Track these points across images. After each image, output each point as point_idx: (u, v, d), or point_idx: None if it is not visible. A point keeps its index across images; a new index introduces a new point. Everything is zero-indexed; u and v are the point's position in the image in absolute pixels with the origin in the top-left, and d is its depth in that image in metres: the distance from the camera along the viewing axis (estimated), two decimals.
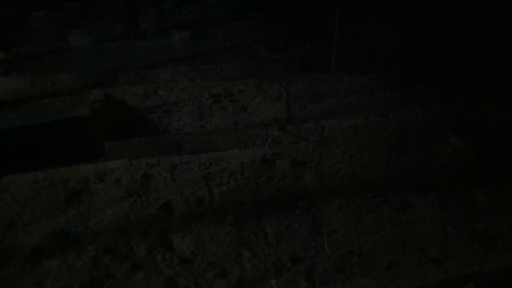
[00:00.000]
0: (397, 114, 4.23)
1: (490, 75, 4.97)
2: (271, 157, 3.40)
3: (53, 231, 2.55)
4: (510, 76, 4.69)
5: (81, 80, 4.99)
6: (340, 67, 5.45)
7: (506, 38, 5.03)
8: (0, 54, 5.42)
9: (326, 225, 2.77)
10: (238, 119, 4.19)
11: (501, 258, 2.47)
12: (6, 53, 5.45)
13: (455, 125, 3.98)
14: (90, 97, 4.38)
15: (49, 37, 6.30)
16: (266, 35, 6.74)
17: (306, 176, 3.25)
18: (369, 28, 5.99)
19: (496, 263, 2.44)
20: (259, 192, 3.05)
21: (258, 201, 2.95)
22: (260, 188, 3.09)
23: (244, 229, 2.69)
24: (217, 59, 5.94)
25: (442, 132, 3.87)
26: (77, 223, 2.65)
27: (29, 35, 6.05)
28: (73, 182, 2.98)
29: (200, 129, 4.05)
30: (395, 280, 2.35)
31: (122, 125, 4.15)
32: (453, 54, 5.47)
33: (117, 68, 5.44)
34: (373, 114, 4.32)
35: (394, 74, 5.08)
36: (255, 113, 4.33)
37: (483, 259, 2.51)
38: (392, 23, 5.96)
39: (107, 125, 4.09)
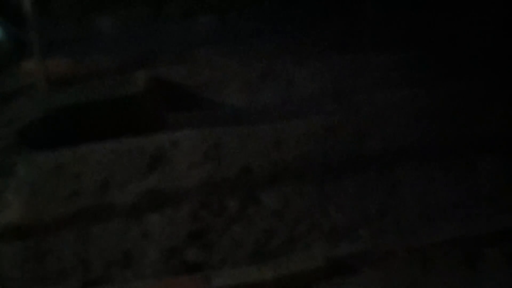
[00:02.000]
0: (441, 87, 4.34)
1: None
2: (333, 126, 3.52)
3: (146, 190, 2.66)
4: None
5: (121, 61, 5.08)
6: (370, 45, 5.53)
7: None
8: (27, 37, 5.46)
9: (401, 183, 2.88)
10: (287, 94, 4.30)
11: None
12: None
13: (500, 96, 4.10)
14: (137, 77, 4.48)
15: (74, 22, 6.32)
16: (293, 16, 6.81)
17: (370, 143, 3.36)
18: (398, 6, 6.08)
19: None
20: (329, 156, 3.16)
21: (331, 164, 3.07)
22: (329, 153, 3.20)
23: (324, 187, 2.80)
24: (249, 41, 6.01)
25: (490, 102, 4.00)
26: (165, 183, 2.76)
27: (51, 19, 6.05)
28: (150, 149, 3.09)
29: (252, 104, 4.15)
30: (475, 226, 2.48)
31: (173, 101, 4.25)
32: (480, 31, 5.57)
33: (153, 50, 5.52)
34: (416, 87, 4.43)
35: (427, 50, 5.18)
36: (303, 87, 4.43)
37: None
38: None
39: (159, 102, 4.20)
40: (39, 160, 2.97)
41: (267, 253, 2.31)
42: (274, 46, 5.80)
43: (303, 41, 5.97)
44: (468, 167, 3.07)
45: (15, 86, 4.29)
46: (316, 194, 2.73)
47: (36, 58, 4.19)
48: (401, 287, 2.11)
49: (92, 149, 3.10)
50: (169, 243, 2.32)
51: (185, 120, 3.60)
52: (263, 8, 7.28)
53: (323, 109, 4.12)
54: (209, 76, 4.69)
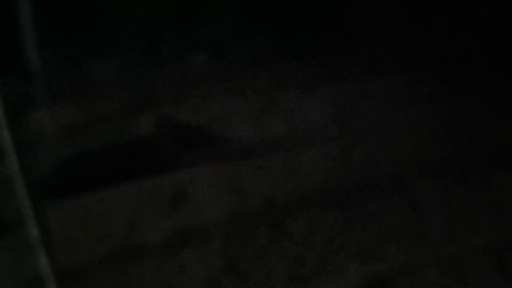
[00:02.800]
0: (442, 107, 4.49)
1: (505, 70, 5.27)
2: (344, 150, 3.62)
3: (174, 227, 2.72)
4: None
5: (124, 105, 5.18)
6: (367, 71, 5.71)
7: None
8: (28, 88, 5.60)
9: (419, 200, 2.97)
10: (293, 125, 4.41)
11: None
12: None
13: (501, 112, 4.25)
14: (144, 119, 4.57)
15: (67, 68, 6.44)
16: (285, 48, 7.00)
17: (383, 164, 3.46)
18: (391, 31, 6.31)
19: None
20: (345, 179, 3.25)
21: (348, 187, 3.15)
22: (345, 177, 3.29)
23: (348, 210, 2.88)
24: (245, 75, 6.15)
25: (493, 118, 4.14)
26: (191, 219, 2.82)
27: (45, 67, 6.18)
28: (170, 187, 3.15)
29: (260, 136, 4.25)
30: (499, 234, 2.55)
31: (182, 140, 4.35)
32: (469, 51, 5.78)
33: (152, 92, 5.64)
34: (417, 109, 4.57)
35: (424, 72, 5.36)
36: (307, 117, 4.54)
37: None
38: (413, 23, 6.28)
39: (169, 142, 4.29)
40: (64, 206, 3.01)
41: (301, 278, 2.35)
42: (271, 79, 5.96)
43: (299, 72, 6.15)
44: (483, 182, 3.16)
45: (25, 137, 4.36)
46: (339, 218, 2.80)
47: (44, 107, 4.28)
48: None
49: (113, 191, 3.15)
50: (207, 275, 2.35)
51: (198, 157, 3.67)
52: (255, 41, 7.48)
53: (330, 136, 4.22)
54: (214, 113, 4.80)
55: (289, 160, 2.99)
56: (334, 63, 4.60)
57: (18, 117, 3.37)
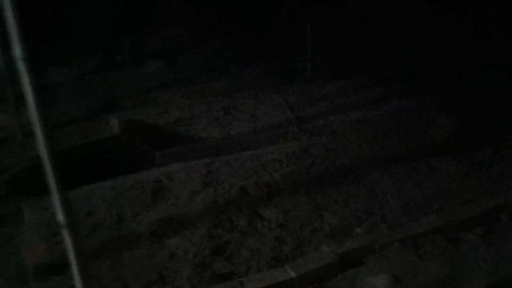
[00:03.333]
0: (384, 107, 4.95)
1: (434, 74, 5.88)
2: (306, 146, 3.95)
3: (158, 218, 2.90)
4: (451, 73, 5.63)
5: (87, 109, 5.26)
6: (314, 77, 6.14)
7: (445, 45, 6.02)
8: None
9: (377, 187, 3.34)
10: (254, 124, 4.70)
11: None
12: None
13: (434, 109, 4.77)
14: (110, 121, 4.69)
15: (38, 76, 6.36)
16: (236, 55, 7.32)
17: (340, 158, 3.82)
18: (332, 40, 6.79)
19: None
20: (310, 171, 3.57)
21: (313, 178, 3.47)
22: (309, 169, 3.61)
23: (315, 198, 3.19)
24: (201, 81, 6.40)
25: (429, 114, 4.64)
26: (174, 211, 3.02)
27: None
28: (149, 183, 3.33)
29: (225, 135, 4.50)
30: (450, 215, 2.97)
31: (150, 140, 4.50)
32: (406, 59, 6.37)
33: (113, 96, 5.74)
34: (364, 109, 5.01)
35: (363, 77, 5.86)
36: (265, 119, 4.86)
37: (505, 194, 3.20)
38: (351, 35, 6.79)
39: (136, 142, 4.43)
40: (45, 204, 3.10)
41: (284, 257, 2.62)
42: (228, 84, 6.23)
43: (253, 78, 6.46)
44: (427, 169, 3.60)
45: None
46: (309, 205, 3.10)
47: (9, 112, 4.28)
48: (404, 270, 2.50)
49: (93, 188, 3.28)
50: (197, 260, 2.56)
51: (170, 155, 3.86)
52: (207, 51, 7.74)
53: (289, 134, 4.55)
54: (178, 115, 4.99)
55: (256, 156, 3.26)
56: (284, 71, 5.08)
57: None
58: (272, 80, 6.37)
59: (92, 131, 4.60)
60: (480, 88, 4.93)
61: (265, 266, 2.51)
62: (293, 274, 2.35)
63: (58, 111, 5.05)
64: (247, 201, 3.09)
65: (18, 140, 4.22)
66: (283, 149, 3.93)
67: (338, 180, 3.40)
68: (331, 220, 2.91)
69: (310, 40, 6.32)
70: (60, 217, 1.64)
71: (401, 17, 6.60)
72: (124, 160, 3.89)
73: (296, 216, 2.96)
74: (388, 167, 3.57)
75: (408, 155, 3.80)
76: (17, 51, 1.46)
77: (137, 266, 2.44)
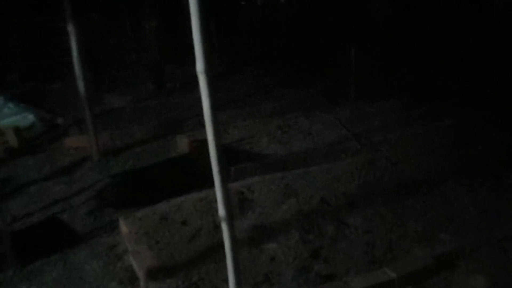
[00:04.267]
0: (437, 123, 5.11)
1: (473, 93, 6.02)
2: (371, 161, 4.12)
3: (251, 225, 3.08)
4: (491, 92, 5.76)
5: (152, 130, 5.54)
6: (357, 97, 6.34)
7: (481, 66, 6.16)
8: (59, 120, 5.85)
9: (451, 196, 3.48)
10: (313, 141, 4.89)
11: None
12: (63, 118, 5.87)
13: (486, 124, 4.90)
14: (179, 141, 4.94)
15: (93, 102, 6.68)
16: (277, 80, 7.58)
17: (407, 170, 3.97)
18: (373, 63, 7.01)
19: None
20: (382, 183, 3.73)
21: (387, 188, 3.62)
22: (381, 180, 3.77)
23: (394, 207, 3.34)
24: (252, 102, 6.64)
25: (483, 129, 4.78)
26: (264, 219, 3.20)
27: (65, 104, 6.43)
28: (232, 194, 3.52)
29: (287, 151, 4.70)
30: None
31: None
32: (444, 80, 6.53)
33: (173, 119, 6.02)
34: (416, 125, 5.17)
35: (405, 97, 6.03)
36: (322, 136, 5.05)
37: None
38: (390, 58, 7.01)
39: (205, 158, 4.63)
40: (138, 216, 3.32)
41: (377, 260, 2.77)
42: (276, 106, 6.47)
43: (299, 100, 6.69)
44: (496, 179, 3.72)
45: (66, 160, 4.60)
46: (390, 214, 3.25)
47: (89, 134, 4.56)
48: (498, 273, 2.62)
49: (181, 200, 3.49)
50: (297, 262, 2.73)
51: (243, 170, 4.06)
52: (247, 77, 8.04)
53: (350, 149, 4.72)
54: (238, 134, 5.22)
55: (326, 169, 3.43)
56: (331, 92, 5.33)
57: (42, 145, 3.72)
58: (317, 101, 6.60)
59: (161, 150, 4.85)
60: None
61: (362, 268, 2.65)
62: (393, 275, 2.48)
63: (124, 133, 5.33)
64: (330, 210, 3.25)
65: (95, 160, 4.48)
66: (350, 163, 4.10)
67: (411, 190, 3.54)
68: (415, 227, 3.05)
69: (353, 63, 6.56)
70: (222, 211, 1.82)
71: (438, 39, 6.78)
72: (198, 175, 4.11)
73: (380, 223, 3.11)
74: (457, 177, 3.70)
75: (473, 167, 3.93)
76: (199, 65, 1.68)
77: (242, 269, 2.60)
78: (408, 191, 3.54)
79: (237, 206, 3.30)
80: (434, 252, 2.72)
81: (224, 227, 1.88)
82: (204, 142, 4.96)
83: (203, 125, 5.46)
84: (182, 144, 4.73)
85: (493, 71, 6.17)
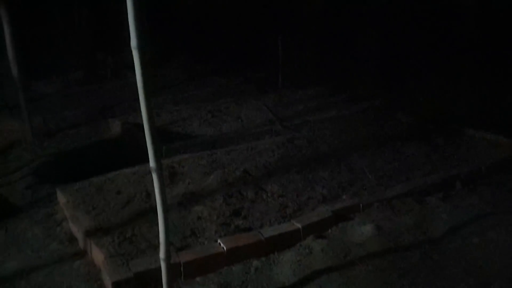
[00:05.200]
0: (353, 107, 5.75)
1: (392, 80, 6.76)
2: (292, 138, 4.65)
3: (181, 193, 3.50)
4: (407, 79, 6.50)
5: (84, 114, 5.78)
6: (285, 85, 6.90)
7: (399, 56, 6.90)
8: None
9: (356, 166, 4.07)
10: (241, 124, 5.37)
11: (469, 167, 4.00)
12: None
13: (396, 108, 5.60)
14: (112, 124, 5.23)
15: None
16: (209, 68, 7.98)
17: (321, 146, 4.54)
18: (299, 54, 7.60)
19: (466, 169, 3.95)
20: (298, 156, 4.26)
21: (301, 161, 4.16)
22: (297, 154, 4.31)
23: (306, 176, 3.88)
24: (180, 90, 7.00)
25: (391, 112, 5.47)
26: (192, 187, 3.62)
27: None
28: (164, 169, 3.90)
29: (217, 133, 5.14)
30: (416, 183, 3.72)
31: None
32: (366, 69, 7.25)
33: (105, 104, 6.27)
34: (335, 110, 5.79)
35: (329, 85, 6.67)
36: (250, 119, 5.53)
37: (458, 168, 4.00)
38: (316, 49, 7.62)
39: (137, 140, 5.00)
40: (75, 187, 3.63)
41: (288, 216, 3.27)
42: (209, 92, 6.87)
43: (230, 87, 7.14)
44: (394, 152, 4.37)
45: (1, 142, 4.77)
46: (302, 180, 3.78)
47: (23, 118, 4.75)
48: (383, 223, 3.20)
49: (116, 174, 3.83)
50: (220, 220, 3.17)
51: (173, 149, 4.45)
52: (180, 64, 8.35)
53: (274, 131, 5.23)
54: (170, 118, 5.58)
55: (251, 147, 3.96)
56: (260, 81, 6.03)
57: None
58: (248, 89, 7.06)
59: (94, 133, 5.12)
60: (434, 89, 5.80)
61: (275, 222, 3.15)
62: (298, 226, 3.00)
63: (57, 118, 5.52)
64: (251, 179, 3.73)
65: (28, 142, 4.67)
66: (272, 142, 4.60)
67: (322, 162, 4.10)
68: (322, 191, 3.59)
69: (281, 53, 7.09)
70: (152, 163, 2.18)
71: (360, 31, 7.48)
72: (130, 156, 4.44)
73: (293, 189, 3.62)
74: (362, 151, 4.30)
75: (377, 142, 4.57)
76: (133, 41, 2.01)
77: (172, 227, 3.02)
78: (320, 163, 4.09)
79: (168, 178, 3.68)
80: (334, 207, 3.25)
81: (154, 177, 2.22)
82: (136, 125, 5.30)
83: (134, 110, 5.79)
84: (115, 127, 5.02)
85: (408, 61, 6.88)
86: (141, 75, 1.96)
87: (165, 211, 2.16)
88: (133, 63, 2.00)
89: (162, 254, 2.22)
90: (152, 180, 2.31)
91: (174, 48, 8.78)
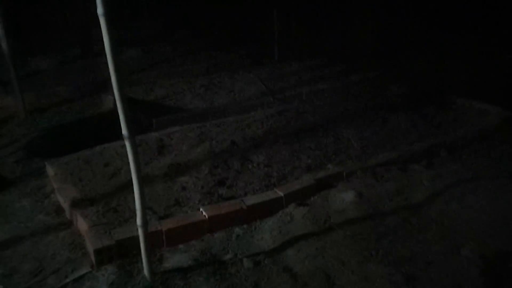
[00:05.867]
0: (346, 79, 5.73)
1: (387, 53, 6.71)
2: (282, 110, 4.67)
3: (168, 164, 3.54)
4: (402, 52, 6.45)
5: (77, 90, 5.80)
6: (281, 59, 6.87)
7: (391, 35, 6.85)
8: None
9: (342, 136, 4.09)
10: (234, 97, 5.38)
11: (455, 135, 4.00)
12: None
13: (388, 79, 5.58)
14: (104, 99, 5.26)
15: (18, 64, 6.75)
16: (207, 42, 7.94)
17: (310, 118, 4.56)
18: (296, 27, 7.54)
19: (452, 137, 3.96)
20: (286, 128, 4.28)
21: (289, 132, 4.18)
22: (286, 126, 4.33)
23: (293, 146, 3.90)
24: (175, 64, 7.00)
25: (383, 83, 5.45)
26: (179, 159, 3.66)
27: None
28: (153, 141, 3.96)
29: (209, 106, 5.16)
30: (400, 152, 3.74)
31: (145, 112, 5.07)
32: (361, 42, 7.19)
33: (98, 80, 6.29)
34: (328, 82, 5.78)
35: (325, 58, 6.64)
36: (242, 92, 5.54)
37: (443, 137, 4.01)
38: (312, 22, 7.55)
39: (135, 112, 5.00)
40: (64, 161, 3.69)
41: (272, 185, 3.32)
42: (206, 66, 6.87)
43: (226, 61, 7.12)
44: (382, 121, 4.38)
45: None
46: (289, 150, 3.81)
47: (15, 94, 4.79)
48: (365, 188, 3.24)
49: (104, 147, 3.88)
50: (204, 190, 3.22)
51: (165, 122, 4.48)
52: (177, 39, 8.32)
53: (266, 103, 5.25)
54: (164, 92, 5.60)
55: (241, 119, 3.99)
56: (255, 55, 5.99)
57: None
58: (243, 63, 7.05)
59: (87, 108, 5.16)
60: (428, 61, 5.76)
61: (259, 191, 3.19)
62: (281, 194, 3.04)
63: (50, 93, 5.55)
64: (238, 150, 3.76)
65: (21, 117, 4.73)
66: (261, 113, 4.62)
67: (310, 133, 4.12)
68: (307, 160, 3.63)
69: (277, 27, 7.05)
70: (124, 131, 2.22)
71: (356, 5, 7.39)
72: (121, 130, 4.44)
73: (279, 159, 3.66)
74: (350, 122, 4.32)
75: (366, 113, 4.58)
76: (99, 8, 2.02)
77: (157, 196, 3.08)
78: (307, 134, 4.11)
79: (156, 150, 3.73)
80: (317, 176, 3.29)
81: (127, 144, 2.26)
82: (130, 99, 5.31)
83: (128, 85, 5.78)
84: (107, 102, 5.05)
85: (403, 34, 6.83)
86: (109, 43, 1.97)
87: (140, 178, 2.21)
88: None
89: (138, 221, 2.28)
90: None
91: (173, 24, 8.75)
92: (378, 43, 6.83)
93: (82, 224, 2.75)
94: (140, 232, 2.30)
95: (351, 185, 3.26)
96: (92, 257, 2.49)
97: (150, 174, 3.30)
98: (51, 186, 3.37)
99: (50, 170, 3.50)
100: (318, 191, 3.16)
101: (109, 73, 2.07)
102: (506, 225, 2.71)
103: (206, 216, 2.78)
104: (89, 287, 2.35)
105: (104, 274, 2.42)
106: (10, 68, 4.51)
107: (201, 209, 2.84)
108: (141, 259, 2.38)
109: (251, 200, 2.96)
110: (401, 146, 3.82)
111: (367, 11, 7.27)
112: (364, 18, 7.39)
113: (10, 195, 3.27)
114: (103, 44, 2.02)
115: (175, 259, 2.55)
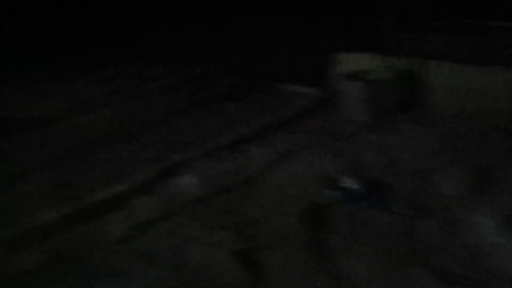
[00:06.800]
0: (177, 75, 5.97)
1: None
2: (105, 114, 4.70)
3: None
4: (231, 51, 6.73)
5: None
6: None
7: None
8: None
9: (181, 128, 4.31)
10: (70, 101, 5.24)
11: (283, 115, 4.52)
12: None
13: (220, 72, 5.97)
14: None
15: None
16: None
17: (149, 116, 4.69)
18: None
19: (280, 117, 4.45)
20: (132, 122, 4.36)
21: (131, 131, 4.27)
22: (131, 120, 4.40)
23: (132, 144, 4.01)
24: None
25: (216, 75, 5.84)
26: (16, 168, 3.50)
27: None
28: None
29: (41, 114, 4.96)
30: (236, 135, 4.09)
31: None
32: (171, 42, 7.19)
33: None
34: (157, 80, 5.94)
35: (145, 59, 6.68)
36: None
37: (273, 117, 4.49)
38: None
39: None
40: None
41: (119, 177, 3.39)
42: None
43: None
44: (217, 109, 4.72)
45: None
46: (133, 147, 3.91)
47: None
48: (205, 171, 3.49)
49: None
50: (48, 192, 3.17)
51: None
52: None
53: (105, 104, 5.22)
54: None
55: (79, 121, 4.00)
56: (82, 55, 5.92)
57: None
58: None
59: None
60: (254, 55, 6.21)
61: (104, 188, 3.25)
62: (125, 187, 3.14)
63: None
64: (79, 152, 3.73)
65: None
66: (107, 114, 4.63)
67: (147, 127, 4.27)
68: (146, 156, 3.77)
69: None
70: None
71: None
72: None
73: (125, 155, 3.74)
74: (187, 114, 4.58)
75: (202, 103, 4.88)
76: None
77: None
78: (145, 128, 4.25)
79: None
80: (161, 166, 3.46)
81: None
82: None
83: None
84: None
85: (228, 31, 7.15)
86: None
87: None
88: None
89: None
90: None
91: None
92: (203, 39, 6.98)
93: None
94: None
95: (193, 170, 3.50)
96: None
97: None
98: None
99: None
100: (162, 179, 3.32)
101: None
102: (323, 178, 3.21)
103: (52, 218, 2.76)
104: None
105: None
106: None
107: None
108: None
109: (93, 196, 3.00)
110: (237, 129, 4.18)
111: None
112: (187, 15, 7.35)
113: None
114: None
115: None
